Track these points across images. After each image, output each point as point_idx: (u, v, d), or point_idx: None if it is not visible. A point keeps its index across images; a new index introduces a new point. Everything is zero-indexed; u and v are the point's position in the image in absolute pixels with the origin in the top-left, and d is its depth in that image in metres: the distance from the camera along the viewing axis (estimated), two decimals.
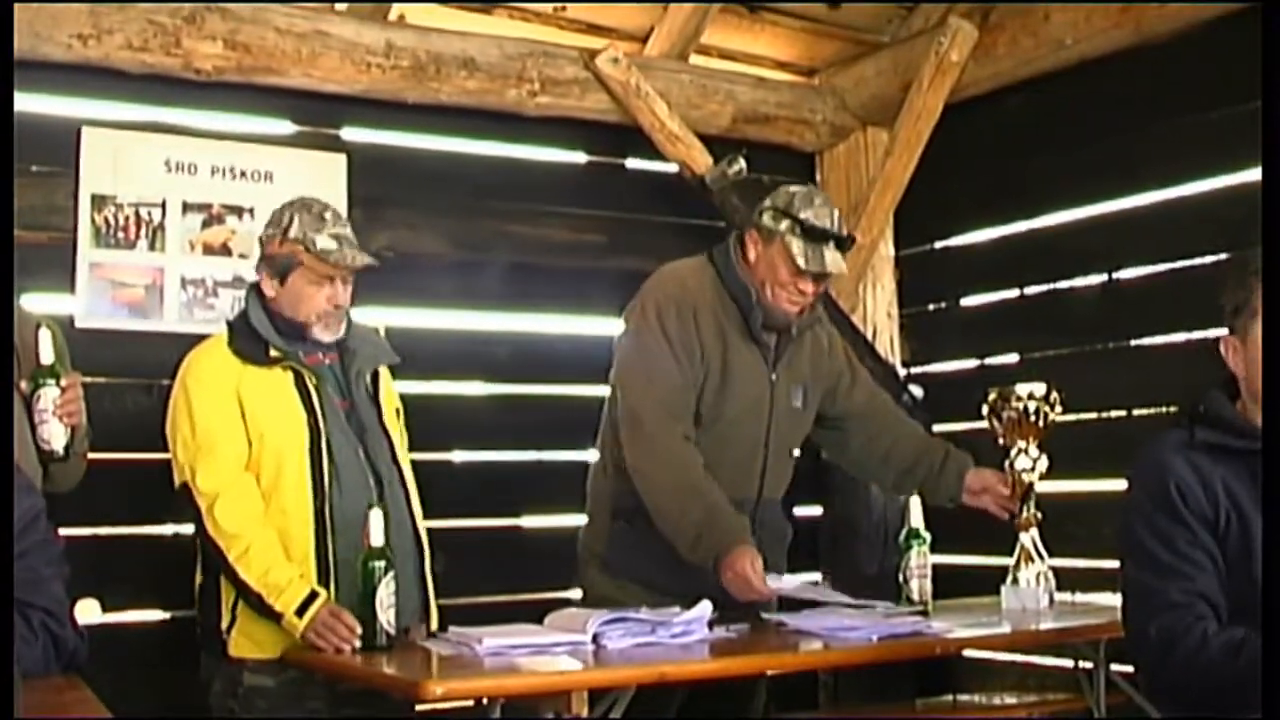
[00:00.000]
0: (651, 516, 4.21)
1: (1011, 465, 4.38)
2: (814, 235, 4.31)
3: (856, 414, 4.70)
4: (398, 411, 4.28)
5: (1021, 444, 4.39)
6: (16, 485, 3.00)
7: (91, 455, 4.04)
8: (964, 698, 5.78)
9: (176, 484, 3.96)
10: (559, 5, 5.99)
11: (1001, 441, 4.43)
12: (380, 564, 3.70)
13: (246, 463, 3.95)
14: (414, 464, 4.24)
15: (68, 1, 4.92)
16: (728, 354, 4.38)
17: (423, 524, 4.17)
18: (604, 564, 4.46)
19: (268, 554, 3.84)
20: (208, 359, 4.06)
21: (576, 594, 4.67)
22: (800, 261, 4.28)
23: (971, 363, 6.41)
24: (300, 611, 3.75)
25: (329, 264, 4.04)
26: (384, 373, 4.28)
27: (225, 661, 3.94)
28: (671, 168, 6.12)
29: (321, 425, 3.99)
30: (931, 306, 6.68)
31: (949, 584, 4.65)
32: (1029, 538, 4.39)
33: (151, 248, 5.18)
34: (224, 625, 3.93)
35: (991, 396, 4.46)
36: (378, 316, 4.74)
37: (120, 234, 5.14)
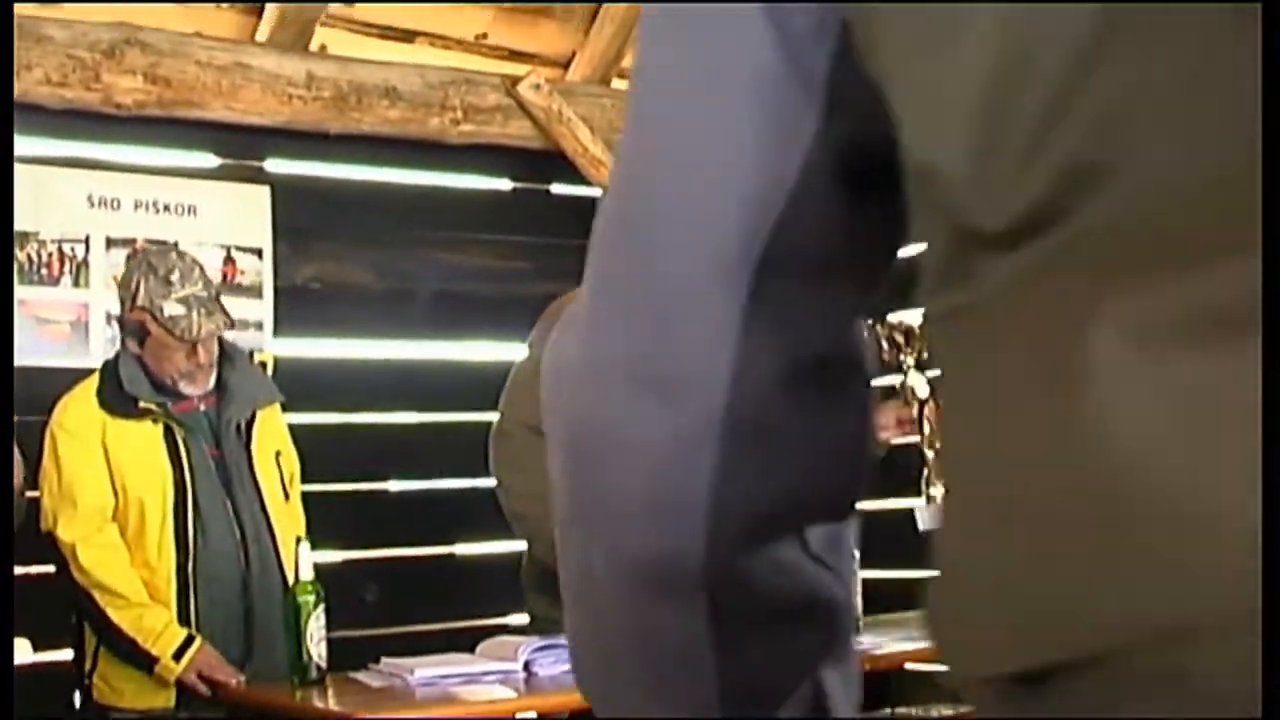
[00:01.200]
0: None
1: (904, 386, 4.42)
2: None
3: None
4: (278, 454, 4.25)
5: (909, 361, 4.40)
6: None
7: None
8: (902, 710, 5.82)
9: (42, 529, 3.96)
10: (480, 33, 6.01)
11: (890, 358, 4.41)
12: (309, 598, 3.71)
13: (112, 512, 3.94)
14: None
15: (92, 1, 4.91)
16: None
17: (292, 571, 4.08)
18: (544, 588, 4.49)
19: (138, 599, 3.84)
20: (75, 407, 4.06)
21: (513, 620, 4.69)
22: None
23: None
24: (178, 655, 3.76)
25: (176, 336, 4.01)
26: (267, 413, 4.25)
27: (93, 705, 3.96)
28: (596, 192, 6.15)
29: (187, 477, 3.97)
30: None
31: (879, 600, 4.69)
32: (934, 453, 4.42)
33: (76, 284, 5.16)
34: (87, 669, 3.95)
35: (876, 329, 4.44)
36: (305, 348, 4.74)
37: (44, 270, 5.12)
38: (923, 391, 4.40)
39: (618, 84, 6.33)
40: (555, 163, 6.14)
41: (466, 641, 4.10)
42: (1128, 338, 0.65)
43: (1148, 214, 0.65)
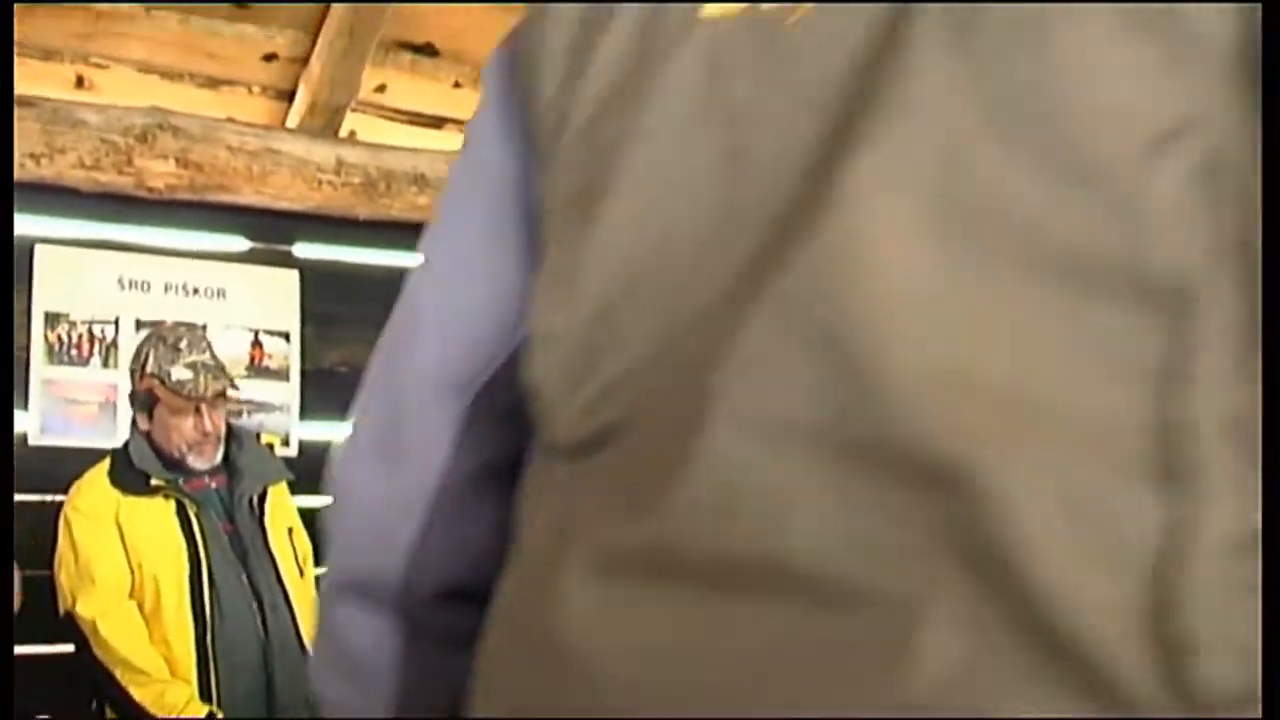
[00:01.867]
0: None
1: None
2: None
3: None
4: (291, 530, 4.29)
5: None
6: None
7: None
8: None
9: (61, 611, 3.98)
10: None
11: None
12: None
13: (130, 590, 3.96)
14: None
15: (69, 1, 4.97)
16: None
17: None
18: None
19: (159, 675, 3.86)
20: (89, 489, 4.11)
21: None
22: None
23: None
24: None
25: (183, 396, 4.06)
26: (276, 491, 4.29)
27: None
28: None
29: (201, 552, 4.00)
30: None
31: None
32: None
33: (105, 365, 5.19)
34: None
35: None
36: (331, 431, 4.77)
37: (74, 351, 5.16)
38: None
39: None
40: None
41: None
42: (594, 564, 0.88)
43: (622, 469, 0.90)
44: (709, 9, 0.97)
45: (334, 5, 5.26)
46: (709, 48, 0.95)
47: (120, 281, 5.26)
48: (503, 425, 1.09)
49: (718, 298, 0.88)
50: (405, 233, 5.91)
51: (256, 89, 5.58)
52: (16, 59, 5.05)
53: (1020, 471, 0.76)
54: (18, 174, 5.01)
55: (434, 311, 1.16)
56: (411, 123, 5.92)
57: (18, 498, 4.31)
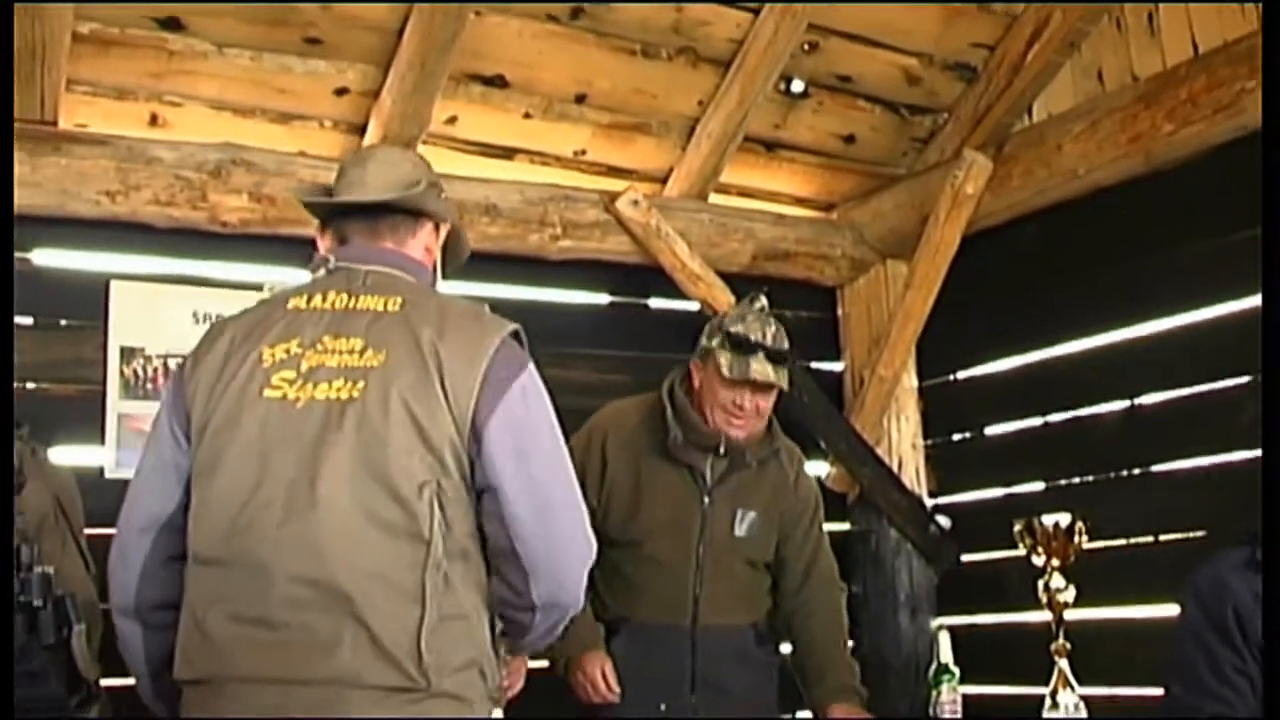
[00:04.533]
0: None
1: (1047, 586, 4.36)
2: (741, 347, 4.38)
3: (789, 575, 4.68)
4: None
5: (1055, 562, 4.36)
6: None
7: None
8: None
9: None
10: (579, 150, 6.08)
11: (1036, 560, 4.39)
12: None
13: None
14: None
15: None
16: (641, 476, 4.42)
17: None
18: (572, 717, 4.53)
19: None
20: None
21: None
22: (725, 371, 4.33)
23: (997, 491, 6.39)
24: None
25: None
26: None
27: None
28: (694, 306, 6.18)
29: None
30: (956, 436, 6.69)
31: (981, 715, 4.63)
32: (1065, 663, 4.36)
33: None
34: None
35: (1017, 529, 4.44)
36: None
37: (149, 385, 5.21)
38: (1061, 596, 4.34)
39: (715, 199, 6.38)
40: (653, 277, 6.18)
41: None
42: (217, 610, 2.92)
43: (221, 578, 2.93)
44: (268, 392, 2.88)
45: (404, 39, 5.28)
46: (264, 413, 2.89)
47: (195, 315, 5.30)
48: (173, 541, 3.00)
49: (255, 522, 2.84)
50: (477, 263, 5.92)
51: (328, 123, 5.62)
52: (91, 99, 5.12)
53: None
54: (94, 211, 5.08)
55: (138, 496, 3.08)
56: (482, 154, 5.94)
57: (97, 530, 4.34)
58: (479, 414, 2.83)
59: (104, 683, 4.01)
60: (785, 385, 4.47)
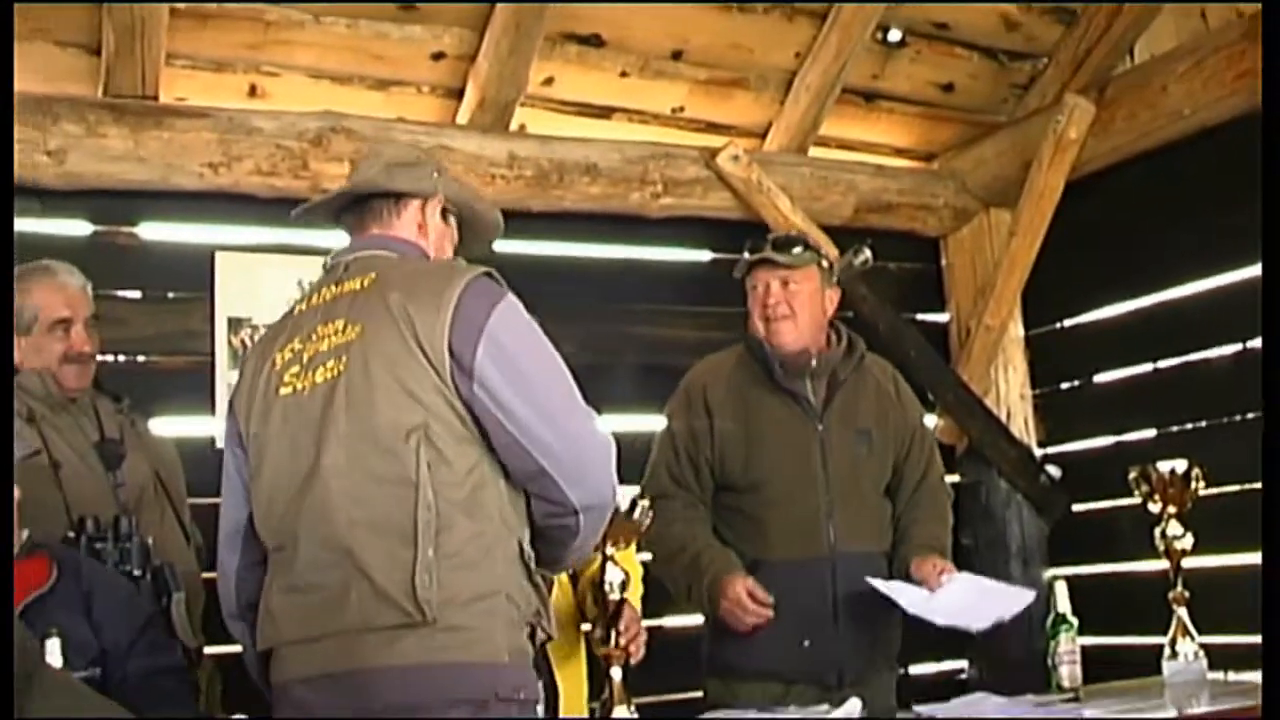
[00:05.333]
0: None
1: (1163, 534, 4.31)
2: (751, 250, 4.42)
3: (904, 487, 4.62)
4: None
5: (1171, 509, 4.30)
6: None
7: None
8: None
9: None
10: (677, 106, 6.06)
11: (1152, 508, 4.34)
12: None
13: None
14: None
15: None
16: (750, 415, 4.40)
17: None
18: (709, 667, 4.48)
19: None
20: None
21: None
22: (744, 273, 4.39)
23: (1108, 440, 6.34)
24: None
25: None
26: None
27: None
28: None
29: None
30: (1064, 385, 6.63)
31: (1097, 667, 4.58)
32: (1184, 611, 4.30)
33: None
34: None
35: (1132, 476, 4.38)
36: None
37: None
38: (1179, 543, 4.28)
39: (815, 152, 6.34)
40: (755, 232, 6.11)
41: (676, 714, 4.08)
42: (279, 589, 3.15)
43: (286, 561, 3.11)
44: (283, 390, 3.08)
45: (499, 2, 5.28)
46: (283, 409, 3.07)
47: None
48: (254, 545, 3.18)
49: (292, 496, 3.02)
50: (579, 223, 5.95)
51: (426, 88, 5.63)
52: (190, 73, 5.15)
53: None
54: (197, 184, 5.12)
55: (222, 509, 3.28)
56: (580, 113, 5.94)
57: (203, 500, 4.40)
58: (459, 354, 2.94)
59: (208, 650, 4.10)
60: (799, 265, 4.45)
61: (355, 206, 3.32)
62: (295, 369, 3.09)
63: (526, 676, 3.03)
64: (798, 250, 4.46)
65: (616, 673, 3.50)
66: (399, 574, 2.86)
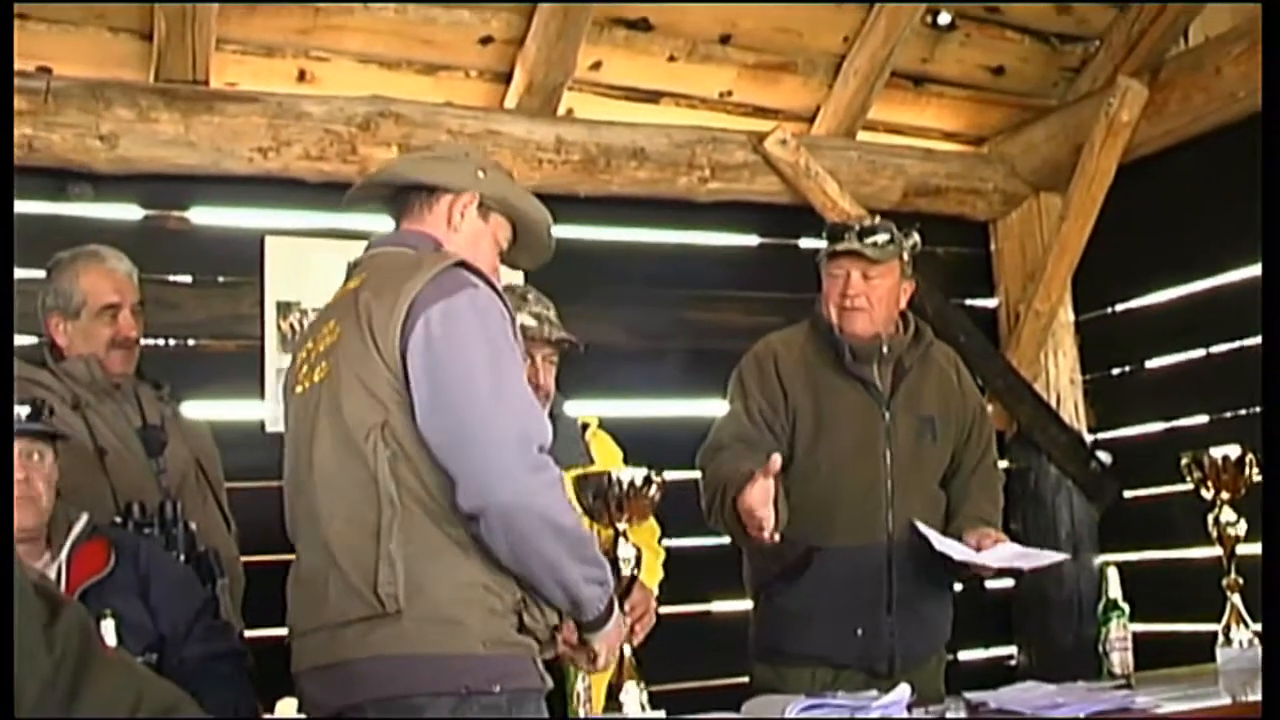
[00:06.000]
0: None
1: (1217, 520, 4.27)
2: (835, 237, 4.37)
3: (960, 475, 4.58)
4: None
5: (1225, 496, 4.27)
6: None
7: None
8: None
9: None
10: (725, 91, 6.04)
11: (1205, 494, 4.30)
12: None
13: None
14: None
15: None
16: (820, 396, 4.35)
17: None
18: (757, 651, 4.46)
19: None
20: None
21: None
22: (824, 258, 4.34)
23: (1159, 425, 6.30)
24: None
25: (527, 338, 4.02)
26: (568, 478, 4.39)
27: None
28: None
29: None
30: (1115, 370, 6.59)
31: (1149, 654, 4.55)
32: (1238, 598, 4.27)
33: None
34: None
35: (1185, 462, 4.35)
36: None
37: None
38: (1233, 529, 4.24)
39: (863, 136, 6.31)
40: (803, 217, 6.13)
41: (722, 700, 4.07)
42: None
43: None
44: (297, 389, 3.17)
45: None
46: (294, 409, 3.14)
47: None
48: None
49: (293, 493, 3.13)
50: (626, 207, 5.94)
51: (474, 72, 5.64)
52: (240, 58, 5.17)
53: None
54: (246, 168, 5.14)
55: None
56: (628, 98, 5.93)
57: (251, 484, 4.42)
58: (403, 347, 2.95)
59: (248, 634, 4.11)
60: (884, 259, 4.40)
61: (397, 198, 3.34)
62: (305, 368, 3.17)
63: (509, 667, 2.98)
64: (883, 241, 4.42)
65: (626, 649, 3.47)
66: (366, 566, 2.92)
